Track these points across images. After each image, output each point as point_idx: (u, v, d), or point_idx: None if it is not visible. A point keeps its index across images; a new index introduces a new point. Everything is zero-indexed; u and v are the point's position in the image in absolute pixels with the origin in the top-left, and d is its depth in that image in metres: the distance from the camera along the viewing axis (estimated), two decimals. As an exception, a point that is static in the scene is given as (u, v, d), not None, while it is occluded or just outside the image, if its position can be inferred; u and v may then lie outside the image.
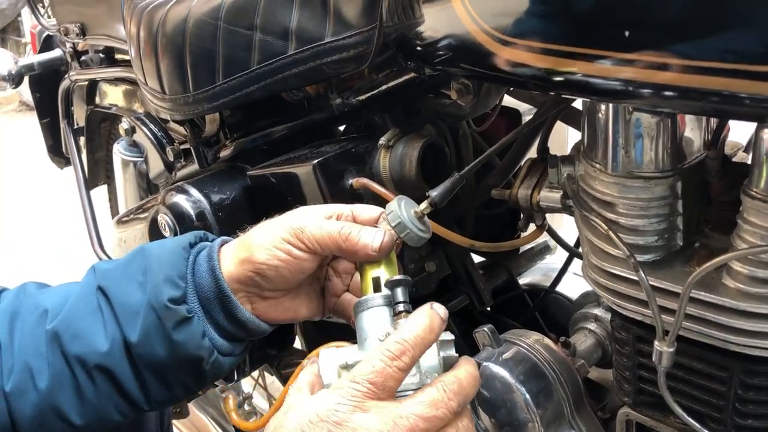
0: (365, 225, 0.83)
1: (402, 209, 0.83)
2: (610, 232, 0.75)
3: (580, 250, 1.09)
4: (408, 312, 0.77)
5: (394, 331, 0.71)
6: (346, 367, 0.73)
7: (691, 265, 0.77)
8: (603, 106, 0.77)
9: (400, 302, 0.76)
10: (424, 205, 0.85)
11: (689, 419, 0.76)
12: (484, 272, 1.25)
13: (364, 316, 0.77)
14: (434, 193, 0.86)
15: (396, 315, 0.77)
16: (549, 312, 1.27)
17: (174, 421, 1.71)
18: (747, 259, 0.70)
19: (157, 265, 0.82)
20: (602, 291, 0.81)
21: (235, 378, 1.33)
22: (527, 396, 0.90)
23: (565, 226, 1.25)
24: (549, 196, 0.93)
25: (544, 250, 1.36)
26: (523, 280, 1.34)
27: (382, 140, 1.06)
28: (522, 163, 1.01)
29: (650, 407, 0.85)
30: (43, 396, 0.81)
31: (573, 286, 1.28)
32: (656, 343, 0.73)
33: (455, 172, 0.87)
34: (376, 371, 0.66)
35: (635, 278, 0.77)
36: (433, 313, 0.70)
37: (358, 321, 0.78)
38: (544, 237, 1.37)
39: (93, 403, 0.83)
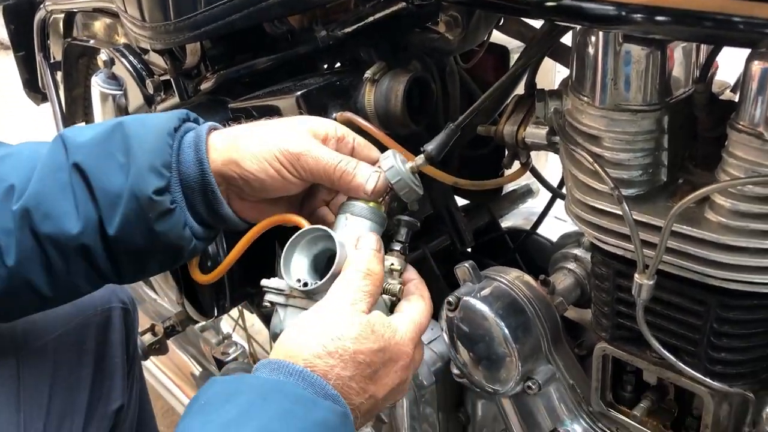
0: (360, 157, 0.82)
1: (399, 163, 0.82)
2: (596, 165, 0.75)
3: (564, 189, 1.09)
4: (402, 253, 0.80)
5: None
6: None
7: (674, 201, 0.77)
8: (593, 38, 0.76)
9: (398, 239, 0.82)
10: (419, 160, 0.84)
11: (665, 352, 0.77)
12: (466, 214, 1.25)
13: (355, 221, 0.82)
14: (430, 146, 0.85)
15: (390, 252, 0.83)
16: (529, 254, 1.28)
17: (152, 358, 1.72)
18: (729, 192, 0.70)
19: (139, 149, 0.79)
20: (584, 226, 0.81)
21: (215, 314, 1.33)
22: (506, 330, 0.91)
23: (548, 168, 1.25)
24: (535, 132, 0.92)
25: (526, 193, 1.36)
26: (504, 224, 1.34)
27: (368, 74, 1.04)
28: (508, 100, 0.99)
29: (627, 342, 0.86)
30: (11, 272, 0.80)
31: (554, 229, 1.28)
32: (636, 276, 0.73)
33: (449, 123, 0.86)
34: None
35: (618, 212, 0.77)
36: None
37: (348, 220, 0.82)
38: (527, 180, 1.37)
39: (64, 277, 0.82)
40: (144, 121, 0.83)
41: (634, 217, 0.74)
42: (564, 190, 0.86)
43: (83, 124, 2.02)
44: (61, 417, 1.03)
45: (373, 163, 0.84)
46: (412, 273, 0.86)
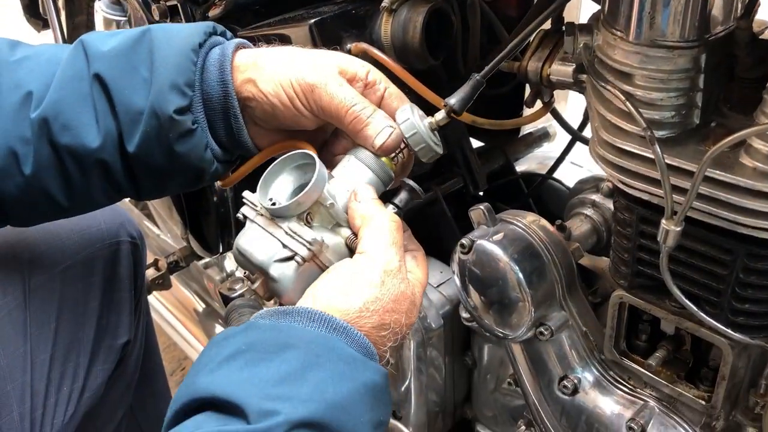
0: (389, 113, 0.78)
1: (417, 118, 0.77)
2: (627, 104, 0.71)
3: (588, 130, 1.06)
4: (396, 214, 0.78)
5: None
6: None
7: (707, 145, 0.73)
8: (631, -33, 0.71)
9: (395, 202, 0.78)
10: (440, 115, 0.79)
11: (687, 302, 0.74)
12: (481, 156, 1.21)
13: (356, 166, 0.78)
14: (452, 100, 0.79)
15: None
16: (543, 200, 1.25)
17: (156, 293, 1.71)
18: (768, 136, 0.66)
19: (162, 65, 0.75)
20: (610, 169, 0.78)
21: (220, 250, 1.31)
22: (520, 275, 0.88)
23: (567, 110, 1.21)
24: (561, 69, 0.88)
25: (542, 136, 1.32)
26: (518, 168, 1.30)
27: (385, 3, 0.99)
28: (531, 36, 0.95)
29: (645, 290, 0.83)
30: (28, 181, 0.77)
31: (570, 175, 1.25)
32: (663, 221, 0.70)
33: (474, 73, 0.80)
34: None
35: (647, 155, 0.73)
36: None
37: (349, 162, 0.78)
38: (544, 122, 1.33)
39: (81, 189, 0.80)
40: (169, 32, 0.78)
41: (665, 160, 0.70)
42: (584, 133, 0.82)
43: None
44: (67, 349, 1.02)
45: (395, 107, 0.79)
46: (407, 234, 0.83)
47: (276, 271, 0.74)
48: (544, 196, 1.24)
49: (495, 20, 1.07)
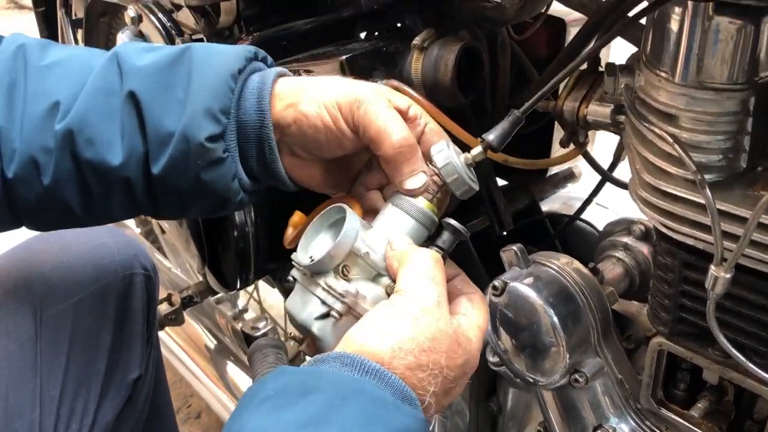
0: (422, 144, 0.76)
1: (453, 153, 0.76)
2: (676, 146, 0.69)
3: (617, 171, 1.04)
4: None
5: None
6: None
7: (755, 189, 0.72)
8: (678, 8, 0.70)
9: (438, 244, 0.76)
10: (477, 151, 0.77)
11: (734, 351, 0.71)
12: (506, 195, 1.19)
13: (396, 214, 0.76)
14: (490, 136, 0.78)
15: None
16: (569, 242, 1.23)
17: (167, 328, 1.67)
18: (824, 182, 0.64)
19: (198, 88, 0.73)
20: (653, 212, 0.76)
21: (237, 287, 1.28)
22: (555, 319, 0.86)
23: (594, 151, 1.19)
24: (598, 110, 0.87)
25: (568, 177, 1.31)
26: (543, 208, 1.28)
27: (417, 41, 0.98)
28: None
29: (687, 338, 0.81)
30: (47, 190, 0.75)
31: (594, 217, 1.23)
32: (713, 268, 0.68)
33: (513, 109, 0.79)
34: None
35: (693, 198, 0.71)
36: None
37: (389, 210, 0.76)
38: (571, 163, 1.31)
39: (100, 203, 0.78)
40: (209, 54, 0.76)
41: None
42: (630, 168, 0.80)
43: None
44: (78, 384, 0.99)
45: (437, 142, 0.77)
46: (454, 269, 0.80)
47: (317, 329, 0.72)
48: (570, 237, 1.22)
49: (525, 59, 1.06)
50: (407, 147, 0.73)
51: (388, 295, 0.72)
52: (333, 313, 0.71)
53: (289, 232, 0.82)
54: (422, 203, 0.76)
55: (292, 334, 0.83)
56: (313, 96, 0.74)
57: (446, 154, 0.75)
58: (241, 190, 0.77)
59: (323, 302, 0.72)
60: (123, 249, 1.07)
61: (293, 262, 0.76)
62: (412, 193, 0.75)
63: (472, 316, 0.73)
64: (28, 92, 0.75)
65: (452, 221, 0.77)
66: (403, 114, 0.76)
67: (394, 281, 0.72)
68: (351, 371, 0.63)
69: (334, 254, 0.71)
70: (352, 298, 0.71)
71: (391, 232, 0.75)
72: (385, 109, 0.73)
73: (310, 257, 0.73)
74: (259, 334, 0.96)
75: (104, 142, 0.73)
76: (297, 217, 0.81)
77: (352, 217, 0.72)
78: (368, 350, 0.65)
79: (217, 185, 0.75)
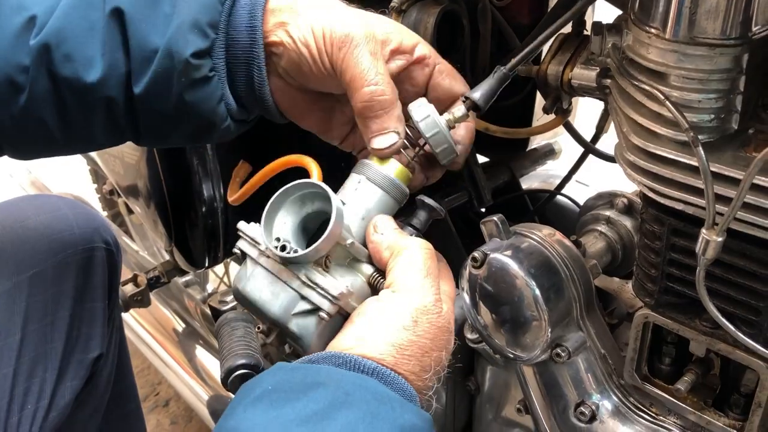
0: (435, 94, 0.72)
1: (435, 113, 0.71)
2: (668, 103, 0.66)
3: (600, 143, 1.01)
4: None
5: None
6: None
7: (747, 151, 0.69)
8: (669, -40, 0.67)
9: (413, 223, 0.72)
10: (460, 111, 0.71)
11: (724, 320, 0.69)
12: (486, 170, 1.16)
13: (367, 189, 0.71)
14: (475, 94, 0.72)
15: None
16: (549, 218, 1.20)
17: (132, 311, 1.62)
18: (820, 141, 0.61)
19: (187, 1, 0.67)
20: (640, 175, 0.72)
21: (206, 265, 1.23)
22: (537, 291, 0.82)
23: (576, 125, 1.16)
24: (583, 73, 0.83)
25: (548, 153, 1.28)
26: (522, 185, 1.25)
27: (395, 3, 0.94)
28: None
29: (673, 309, 0.78)
30: (23, 110, 0.70)
31: (575, 194, 1.20)
32: (704, 231, 0.65)
33: (499, 66, 0.74)
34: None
35: (684, 160, 0.68)
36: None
37: (360, 185, 0.70)
38: (550, 138, 1.28)
39: (79, 125, 0.72)
40: None
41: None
42: (617, 131, 0.77)
43: None
44: (33, 361, 0.93)
45: (454, 97, 0.72)
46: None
47: (296, 326, 0.67)
48: (550, 213, 1.19)
49: (506, 27, 1.02)
50: (378, 101, 0.68)
51: (371, 286, 0.68)
52: (321, 314, 0.66)
53: (235, 187, 0.76)
54: (392, 171, 0.71)
55: (259, 328, 0.77)
56: (305, 20, 0.69)
57: (426, 109, 0.70)
58: (228, 116, 0.72)
59: (304, 298, 0.66)
60: (83, 222, 1.02)
61: (243, 235, 0.70)
62: (380, 154, 0.70)
63: (443, 287, 0.71)
64: (2, 6, 0.69)
65: (427, 199, 0.72)
66: (407, 53, 0.71)
67: (379, 271, 0.68)
68: (349, 370, 0.60)
69: (322, 248, 0.65)
70: (345, 299, 0.66)
71: (365, 207, 0.70)
72: (366, 54, 0.68)
73: (278, 240, 0.66)
74: (227, 307, 0.92)
75: (83, 59, 0.68)
76: (242, 168, 0.76)
77: (338, 203, 0.66)
78: (369, 356, 0.62)
79: (201, 107, 0.70)
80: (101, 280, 1.03)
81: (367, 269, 0.69)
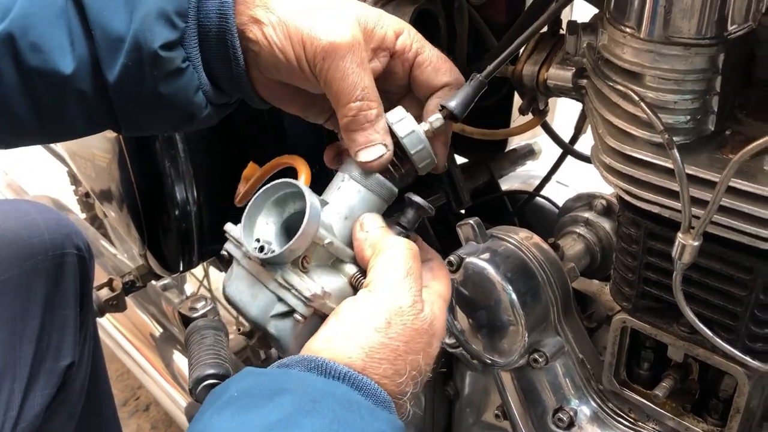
0: (417, 86, 0.69)
1: (415, 125, 0.68)
2: (642, 104, 0.64)
3: (579, 144, 1.00)
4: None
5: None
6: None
7: (724, 153, 0.67)
8: (644, -42, 0.65)
9: (401, 222, 0.70)
10: (437, 120, 0.69)
11: (701, 325, 0.67)
12: (464, 171, 1.14)
13: (352, 188, 0.68)
14: (452, 103, 0.69)
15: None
16: (528, 220, 1.18)
17: (109, 316, 1.59)
18: (797, 142, 0.60)
19: None
20: (616, 178, 0.71)
21: (180, 269, 1.21)
22: (513, 296, 0.81)
23: (555, 126, 1.14)
24: (559, 74, 0.82)
25: (527, 153, 1.26)
26: (502, 186, 1.24)
27: (368, 1, 0.92)
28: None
29: (651, 314, 0.76)
30: None
31: (554, 195, 1.18)
32: (680, 235, 0.63)
33: (475, 73, 0.72)
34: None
35: (659, 162, 0.67)
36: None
37: (344, 183, 0.68)
38: (529, 139, 1.27)
39: (54, 117, 0.68)
40: None
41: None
42: (593, 133, 0.76)
43: None
44: (1, 371, 0.90)
45: (436, 87, 0.70)
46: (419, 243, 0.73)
47: (274, 328, 0.65)
48: (530, 215, 1.18)
49: (483, 26, 1.01)
50: (363, 115, 0.66)
51: (353, 287, 0.66)
52: (296, 316, 0.64)
53: (241, 188, 0.74)
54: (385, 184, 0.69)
55: (241, 330, 0.75)
56: (280, 21, 0.65)
57: (408, 122, 0.68)
58: (207, 103, 0.69)
59: (281, 299, 0.65)
60: (53, 227, 0.99)
61: (229, 236, 0.69)
62: (367, 167, 0.68)
63: (434, 286, 0.68)
64: None
65: (415, 196, 0.70)
66: (388, 50, 0.68)
67: (360, 270, 0.66)
68: (318, 375, 0.57)
69: (296, 248, 0.63)
70: (320, 301, 0.64)
71: (349, 207, 0.68)
72: (353, 66, 0.65)
73: (258, 241, 0.65)
74: (197, 315, 0.89)
75: (52, 49, 0.64)
76: (250, 169, 0.73)
77: (313, 200, 0.64)
78: (338, 359, 0.60)
79: (178, 98, 0.67)
80: (72, 287, 1.00)
81: (350, 269, 0.67)
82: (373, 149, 0.67)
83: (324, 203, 0.68)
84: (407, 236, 0.69)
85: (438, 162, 0.72)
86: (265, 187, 0.67)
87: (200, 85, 0.67)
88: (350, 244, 0.68)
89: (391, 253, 0.65)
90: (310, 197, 0.63)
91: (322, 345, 0.61)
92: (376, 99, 0.67)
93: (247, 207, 0.67)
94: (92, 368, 1.13)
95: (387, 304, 0.62)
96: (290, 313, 0.65)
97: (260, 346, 0.68)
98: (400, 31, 0.69)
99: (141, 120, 0.70)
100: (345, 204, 0.69)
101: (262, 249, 0.64)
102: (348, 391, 0.57)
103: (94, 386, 1.15)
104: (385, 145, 0.67)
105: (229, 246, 0.69)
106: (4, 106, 0.67)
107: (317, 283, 0.65)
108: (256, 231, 0.66)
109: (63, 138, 0.77)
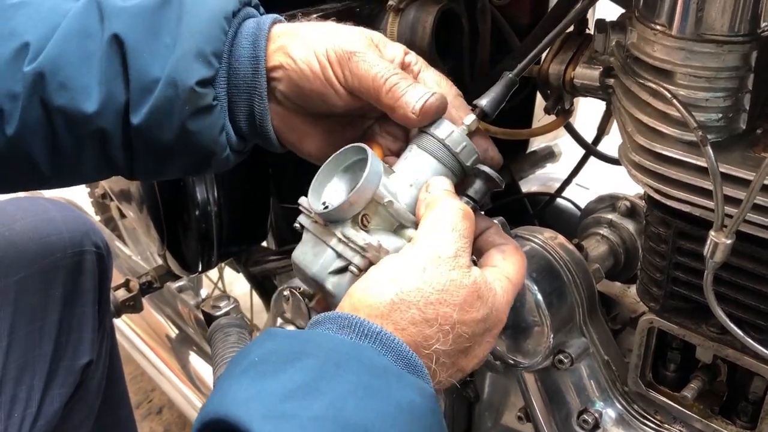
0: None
1: (451, 124, 0.68)
2: (675, 101, 0.64)
3: (602, 145, 0.99)
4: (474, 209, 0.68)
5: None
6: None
7: (756, 151, 0.67)
8: (676, -46, 0.65)
9: (468, 193, 0.68)
10: (470, 119, 0.69)
11: (732, 325, 0.66)
12: (484, 173, 1.14)
13: (419, 156, 0.68)
14: (483, 101, 0.70)
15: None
16: (549, 222, 1.17)
17: (124, 317, 1.59)
18: (833, 140, 0.60)
19: (188, 30, 0.67)
20: (646, 176, 0.70)
21: (199, 269, 1.21)
22: (539, 296, 0.80)
23: (577, 126, 1.14)
24: (586, 72, 0.81)
25: (548, 155, 1.26)
26: (522, 188, 1.23)
27: (392, 1, 0.92)
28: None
29: (679, 314, 0.76)
30: (11, 142, 0.68)
31: (575, 197, 1.18)
32: (713, 233, 0.63)
33: (506, 72, 0.72)
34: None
35: (691, 160, 0.66)
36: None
37: (411, 153, 0.69)
38: (549, 141, 1.27)
39: (69, 159, 0.70)
40: None
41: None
42: (621, 131, 0.75)
43: None
44: (20, 368, 0.91)
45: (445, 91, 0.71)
46: (486, 221, 0.72)
47: (332, 284, 0.65)
48: (550, 217, 1.17)
49: (506, 27, 1.01)
50: (404, 80, 0.67)
51: None
52: (351, 267, 0.64)
53: None
54: (444, 134, 0.68)
55: (301, 289, 0.74)
56: (305, 42, 0.69)
57: (446, 124, 0.68)
58: (227, 146, 0.72)
59: (339, 255, 0.65)
60: (72, 225, 0.99)
61: (301, 208, 0.69)
62: (426, 112, 0.67)
63: (502, 266, 0.66)
64: None
65: (485, 168, 0.69)
66: (397, 60, 0.70)
67: None
68: (348, 334, 0.56)
69: (354, 201, 0.63)
70: (374, 252, 0.63)
71: (417, 176, 0.68)
72: (375, 58, 0.68)
73: (324, 204, 0.66)
74: (220, 313, 0.89)
75: (79, 88, 0.66)
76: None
77: (375, 159, 0.64)
78: (367, 303, 0.58)
79: (203, 136, 0.69)
80: (91, 285, 1.00)
81: (411, 233, 0.66)
82: (422, 96, 0.66)
83: (390, 172, 0.69)
84: (474, 209, 0.68)
85: (491, 153, 0.72)
86: (335, 154, 0.68)
87: (224, 127, 0.70)
88: (415, 211, 0.68)
89: (441, 210, 0.63)
90: (373, 156, 0.64)
91: (356, 294, 0.60)
92: (406, 74, 0.68)
93: (316, 174, 0.68)
94: (109, 367, 1.13)
95: (425, 252, 0.61)
96: (347, 267, 0.65)
97: (319, 308, 0.67)
98: (407, 51, 0.72)
99: (159, 161, 0.72)
100: (410, 171, 0.68)
101: (326, 208, 0.65)
102: (375, 355, 0.55)
103: (111, 385, 1.15)
104: (430, 92, 0.67)
105: (300, 218, 0.69)
106: (24, 149, 0.69)
107: (376, 238, 0.65)
108: (324, 195, 0.67)
109: (69, 183, 0.78)
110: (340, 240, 0.65)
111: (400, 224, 0.67)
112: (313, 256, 0.66)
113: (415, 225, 0.66)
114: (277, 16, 0.73)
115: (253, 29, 0.69)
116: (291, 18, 0.76)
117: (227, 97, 0.69)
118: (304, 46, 0.68)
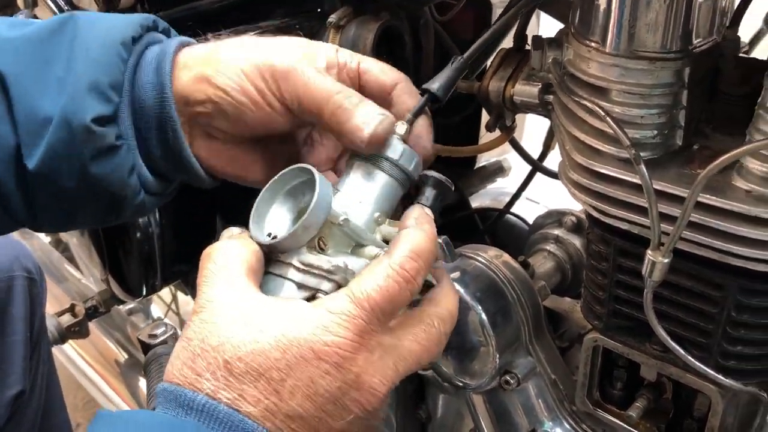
0: (372, 94, 0.64)
1: (399, 140, 0.63)
2: (608, 119, 0.63)
3: (548, 161, 0.99)
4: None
5: (400, 238, 0.60)
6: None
7: (691, 168, 0.66)
8: (607, -28, 0.65)
9: (421, 203, 0.65)
10: (402, 128, 0.64)
11: (672, 344, 0.66)
12: (433, 189, 1.13)
13: (364, 170, 0.63)
14: (434, 85, 0.67)
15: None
16: (499, 237, 1.17)
17: (72, 343, 1.54)
18: (764, 155, 0.59)
19: (82, 59, 0.59)
20: (584, 194, 0.70)
21: (143, 293, 1.18)
22: (483, 316, 0.79)
23: (523, 143, 1.13)
24: (525, 89, 0.80)
25: (497, 170, 1.25)
26: (472, 204, 1.22)
27: (332, 18, 0.91)
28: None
29: (623, 332, 0.75)
30: None
31: (525, 212, 1.17)
32: (650, 252, 0.62)
33: (456, 56, 0.70)
34: (388, 294, 0.55)
35: (628, 178, 0.66)
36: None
37: (353, 169, 0.64)
38: (499, 155, 1.26)
39: None
40: (97, 21, 0.63)
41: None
42: (560, 149, 0.74)
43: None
44: None
45: (389, 86, 0.66)
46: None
47: None
48: (500, 232, 1.16)
49: (449, 42, 1.00)
50: (348, 100, 0.61)
51: None
52: (320, 295, 0.58)
53: None
54: (383, 148, 0.63)
55: None
56: (229, 65, 0.61)
57: (395, 143, 0.63)
58: (141, 189, 0.64)
59: (301, 286, 0.59)
60: (1, 249, 0.95)
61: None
62: (376, 139, 0.61)
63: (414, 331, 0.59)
64: None
65: (431, 172, 0.65)
66: (333, 66, 0.64)
67: (382, 249, 0.60)
68: (173, 409, 0.49)
69: (308, 225, 0.57)
70: (342, 274, 0.58)
71: (363, 192, 0.63)
72: (315, 74, 0.62)
73: (269, 234, 0.60)
74: (156, 341, 0.86)
75: None
76: None
77: (322, 178, 0.59)
78: (194, 376, 0.50)
79: (110, 180, 0.62)
80: (22, 312, 0.96)
81: (372, 251, 0.62)
82: (372, 120, 0.60)
83: (336, 191, 0.63)
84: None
85: (423, 143, 0.67)
86: (271, 181, 0.62)
87: (135, 167, 0.63)
88: (369, 228, 0.63)
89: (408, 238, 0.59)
90: (320, 175, 0.59)
91: (186, 363, 0.52)
92: (351, 89, 0.62)
93: (255, 202, 0.62)
94: (47, 396, 1.09)
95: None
96: (314, 296, 0.59)
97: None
98: (340, 52, 0.66)
99: (63, 211, 0.66)
100: (355, 187, 0.63)
101: (274, 239, 0.59)
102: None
103: (49, 415, 1.11)
104: (382, 114, 0.61)
105: None
106: None
107: (341, 259, 0.59)
108: (267, 227, 0.61)
109: None
110: (299, 269, 0.59)
111: (357, 243, 0.62)
112: (268, 293, 0.59)
113: (373, 242, 0.62)
114: (185, 38, 0.67)
115: (156, 55, 0.63)
116: (203, 40, 0.69)
117: (135, 134, 0.63)
118: (232, 72, 0.61)
